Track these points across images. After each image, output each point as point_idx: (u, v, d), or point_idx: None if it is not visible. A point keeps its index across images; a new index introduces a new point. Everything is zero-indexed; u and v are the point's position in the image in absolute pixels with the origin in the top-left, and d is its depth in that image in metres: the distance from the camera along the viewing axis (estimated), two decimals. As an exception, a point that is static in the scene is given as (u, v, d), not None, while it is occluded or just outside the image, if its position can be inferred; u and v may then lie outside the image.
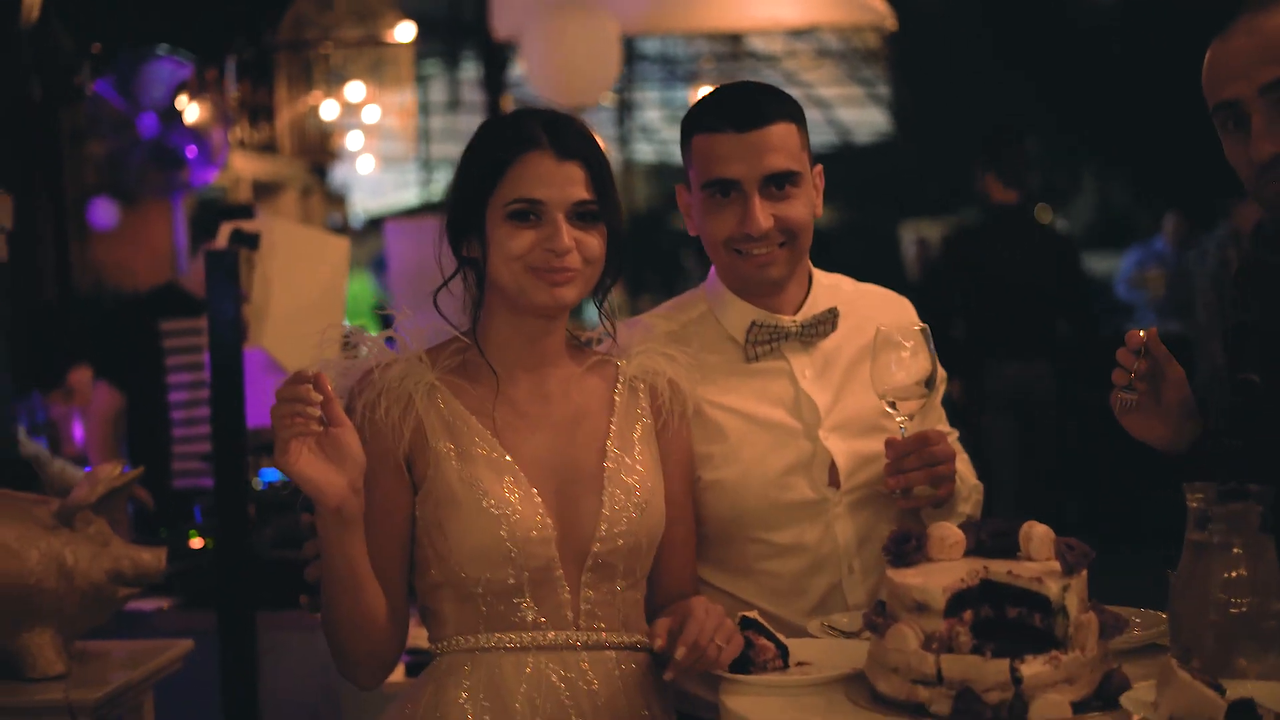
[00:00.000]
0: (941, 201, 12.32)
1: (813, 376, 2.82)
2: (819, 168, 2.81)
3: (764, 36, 9.48)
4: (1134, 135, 17.09)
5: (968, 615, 2.17)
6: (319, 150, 9.79)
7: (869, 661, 2.24)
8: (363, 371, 2.53)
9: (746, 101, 2.77)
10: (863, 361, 2.80)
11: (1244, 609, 2.18)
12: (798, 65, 10.22)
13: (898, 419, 2.66)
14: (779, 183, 2.72)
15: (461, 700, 2.45)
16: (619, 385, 2.63)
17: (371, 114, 9.09)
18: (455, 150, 13.15)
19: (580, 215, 2.49)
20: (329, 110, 8.97)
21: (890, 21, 7.98)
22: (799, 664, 2.37)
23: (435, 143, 13.74)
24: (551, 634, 2.48)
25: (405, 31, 8.63)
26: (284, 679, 4.15)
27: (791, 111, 2.78)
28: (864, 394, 2.76)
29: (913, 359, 2.64)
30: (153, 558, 3.17)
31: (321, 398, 2.31)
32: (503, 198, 2.49)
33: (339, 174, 10.98)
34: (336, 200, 10.46)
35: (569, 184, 2.49)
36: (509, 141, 2.51)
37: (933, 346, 2.67)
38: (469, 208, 2.53)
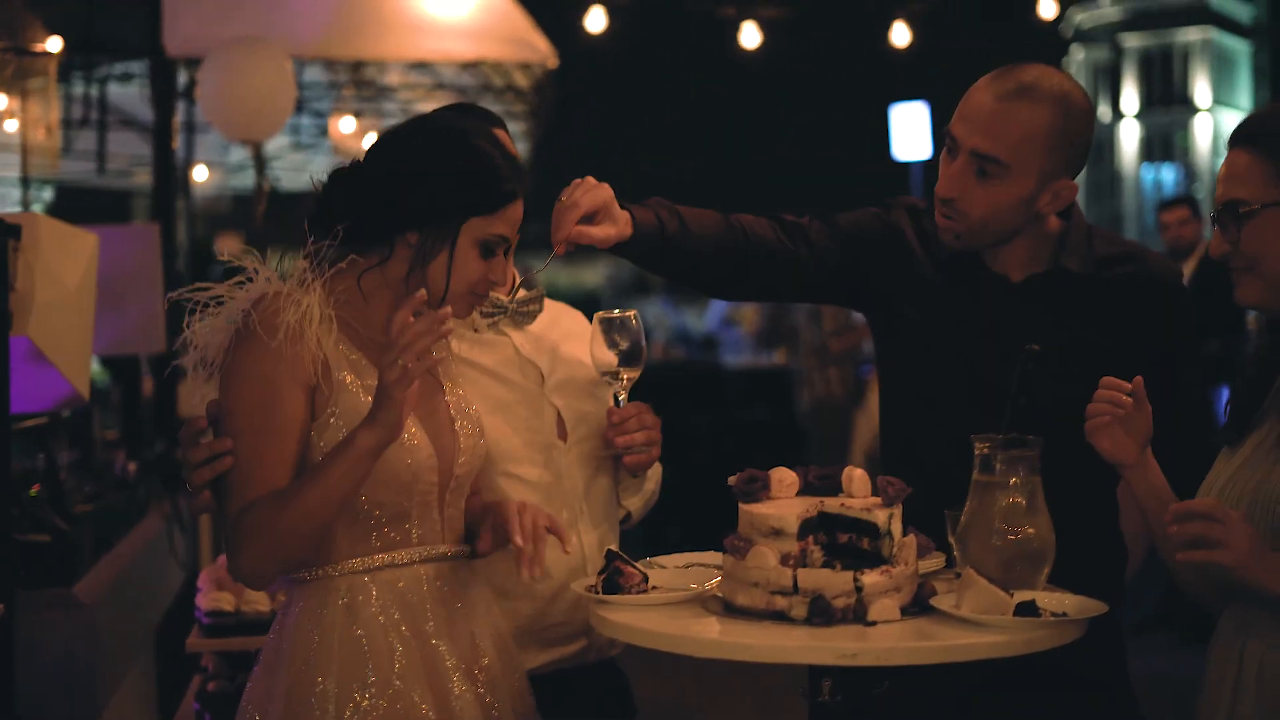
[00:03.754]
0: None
1: (529, 348, 3.29)
2: None
3: (382, 68, 9.78)
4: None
5: (812, 538, 2.65)
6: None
7: (726, 580, 2.68)
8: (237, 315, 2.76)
9: (488, 113, 3.30)
10: (563, 344, 3.33)
11: (1019, 535, 2.74)
12: (425, 97, 10.55)
13: (616, 389, 3.19)
14: None
15: (374, 612, 2.76)
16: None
17: (11, 126, 8.95)
18: (65, 167, 12.91)
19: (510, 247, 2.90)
20: (-32, 120, 8.77)
21: (551, 60, 8.50)
22: (653, 588, 2.79)
23: (38, 158, 13.35)
24: (431, 548, 2.85)
25: (53, 44, 8.55)
26: (41, 654, 4.27)
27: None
28: (573, 366, 3.30)
29: (631, 339, 3.17)
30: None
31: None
32: (487, 228, 2.81)
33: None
34: (-44, 211, 10.22)
35: (518, 222, 2.88)
36: (509, 182, 2.82)
37: (641, 327, 3.20)
38: (442, 212, 2.78)
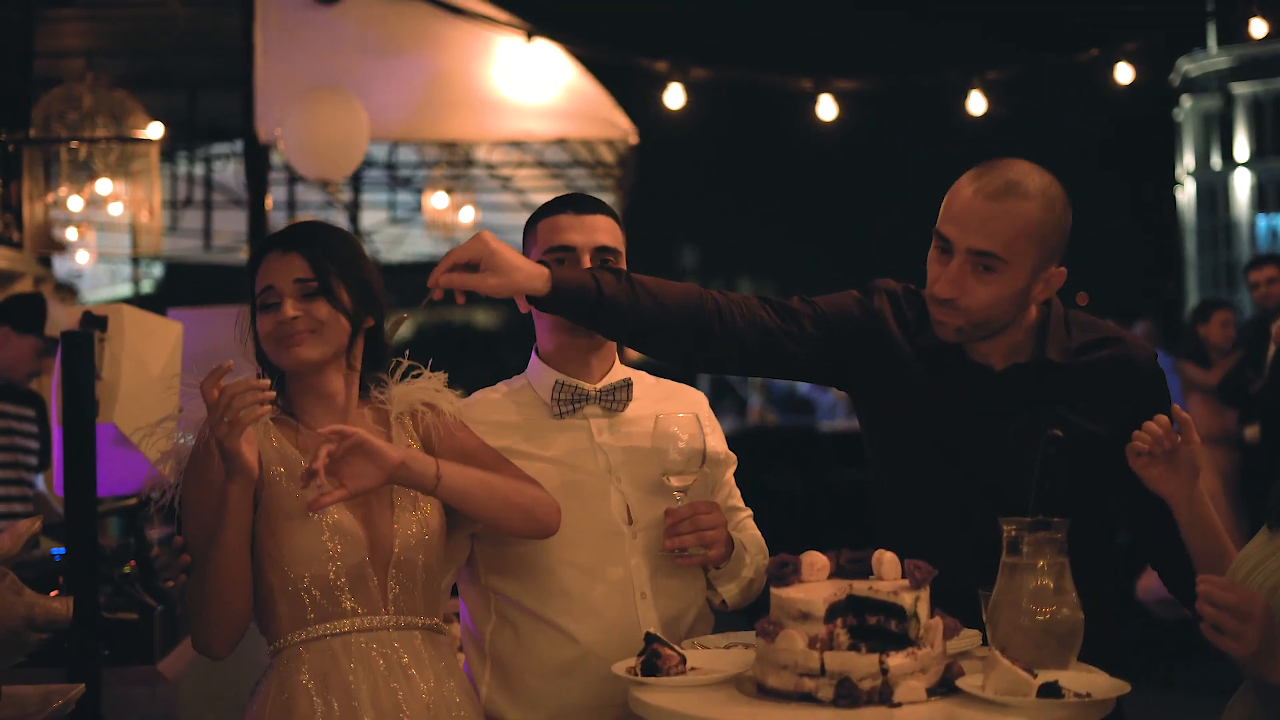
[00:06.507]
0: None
1: (607, 435, 3.41)
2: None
3: (485, 146, 10.02)
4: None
5: (840, 621, 2.72)
6: (48, 243, 9.87)
7: (758, 662, 2.76)
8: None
9: (582, 196, 3.47)
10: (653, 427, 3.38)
11: (1047, 615, 2.80)
12: (514, 173, 10.79)
13: (674, 492, 3.28)
14: (604, 256, 3.34)
15: (305, 682, 3.01)
16: (392, 424, 3.24)
17: (116, 209, 9.26)
18: (173, 245, 13.31)
19: (304, 292, 3.11)
20: (74, 204, 9.10)
21: (633, 136, 8.68)
22: (692, 669, 2.87)
23: (142, 237, 13.74)
24: (368, 619, 3.06)
25: (155, 130, 8.86)
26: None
27: (613, 213, 3.47)
28: (652, 455, 3.35)
29: (686, 443, 3.26)
30: (62, 606, 3.47)
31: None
32: (256, 287, 3.15)
33: (59, 265, 11.07)
34: (67, 290, 10.57)
35: (290, 270, 3.12)
36: (258, 250, 3.22)
37: (703, 432, 3.29)
38: (252, 307, 3.18)
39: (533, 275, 3.06)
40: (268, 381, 2.93)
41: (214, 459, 2.99)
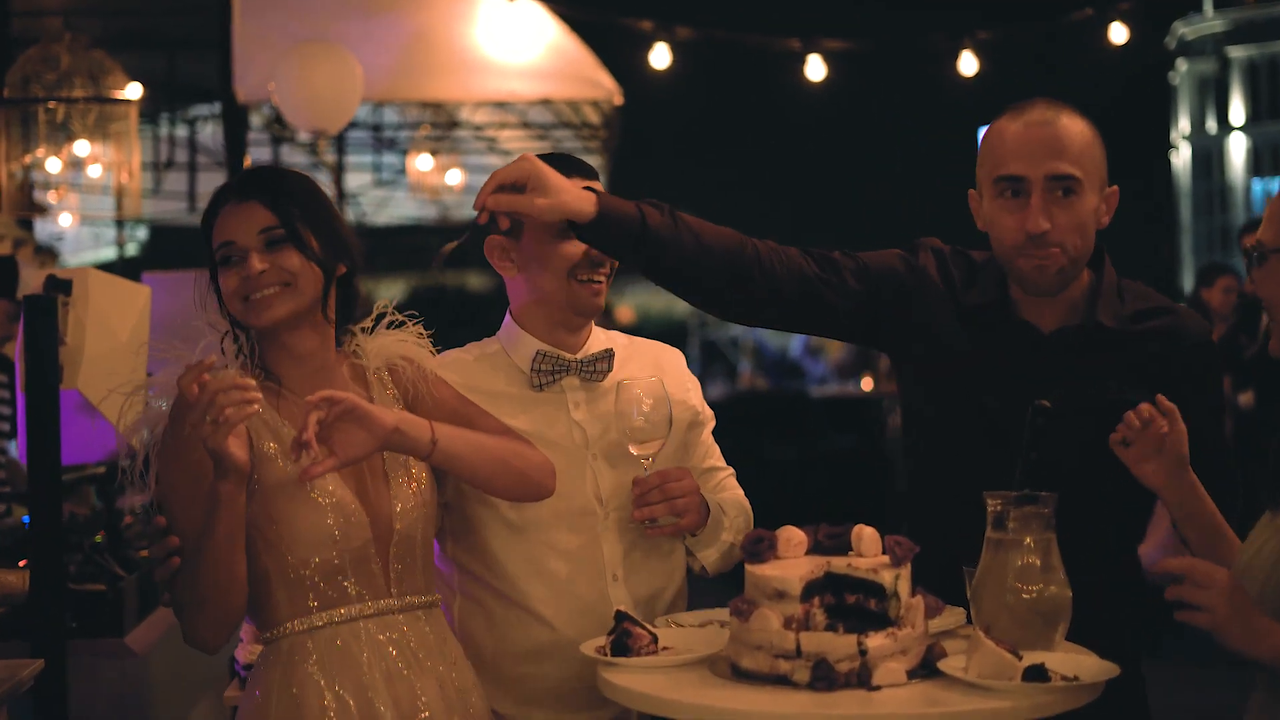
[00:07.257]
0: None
1: (585, 409, 3.27)
2: None
3: (469, 107, 9.90)
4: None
5: (817, 600, 2.61)
6: (27, 205, 9.72)
7: (732, 642, 2.65)
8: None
9: (582, 163, 3.30)
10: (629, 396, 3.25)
11: (1033, 593, 2.69)
12: (500, 135, 10.67)
13: (641, 460, 3.15)
14: None
15: (313, 674, 2.84)
16: (370, 380, 3.04)
17: (95, 171, 9.12)
18: (157, 208, 13.18)
19: (270, 242, 2.87)
20: (52, 166, 8.96)
21: (617, 97, 8.56)
22: (664, 649, 2.76)
23: (122, 200, 13.63)
24: (373, 604, 2.89)
25: (133, 91, 8.73)
26: (92, 704, 4.32)
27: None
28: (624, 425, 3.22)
29: (651, 408, 3.13)
30: (17, 579, 3.38)
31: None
32: (215, 250, 2.90)
33: (41, 229, 10.94)
34: (48, 254, 10.44)
35: (252, 220, 2.88)
36: (211, 203, 2.95)
37: (668, 395, 3.16)
38: (211, 266, 2.93)
39: (580, 198, 2.97)
40: (253, 381, 2.68)
41: (195, 445, 2.74)
